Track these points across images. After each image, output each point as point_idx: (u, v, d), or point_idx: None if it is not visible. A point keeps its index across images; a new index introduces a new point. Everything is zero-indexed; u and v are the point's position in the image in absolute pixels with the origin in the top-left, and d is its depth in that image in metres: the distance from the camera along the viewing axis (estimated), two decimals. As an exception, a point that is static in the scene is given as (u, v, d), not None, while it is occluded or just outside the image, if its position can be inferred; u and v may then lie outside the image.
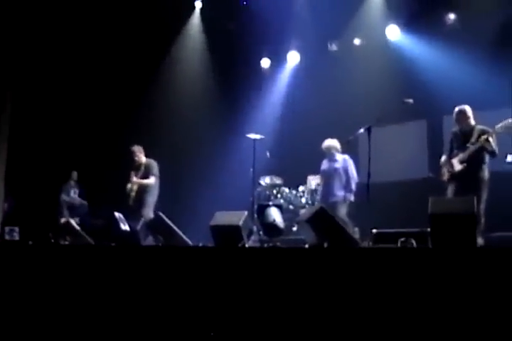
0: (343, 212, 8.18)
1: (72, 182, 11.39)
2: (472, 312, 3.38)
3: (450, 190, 6.89)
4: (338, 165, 8.44)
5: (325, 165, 8.66)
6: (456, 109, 7.06)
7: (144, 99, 10.93)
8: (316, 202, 9.17)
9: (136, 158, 8.57)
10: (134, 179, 8.46)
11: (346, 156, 8.50)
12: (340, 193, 8.32)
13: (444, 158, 7.14)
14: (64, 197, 11.29)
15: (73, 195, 11.23)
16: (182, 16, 11.37)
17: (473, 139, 6.85)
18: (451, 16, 9.49)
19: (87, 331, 4.91)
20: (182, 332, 4.43)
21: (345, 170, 8.38)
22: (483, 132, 6.80)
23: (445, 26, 9.58)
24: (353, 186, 8.30)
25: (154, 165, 8.54)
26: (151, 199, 8.49)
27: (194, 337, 4.34)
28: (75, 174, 11.35)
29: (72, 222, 6.89)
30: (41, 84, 10.65)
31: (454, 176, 6.92)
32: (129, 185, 8.53)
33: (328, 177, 8.50)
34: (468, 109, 7.01)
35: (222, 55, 11.03)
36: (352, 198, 8.27)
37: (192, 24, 11.54)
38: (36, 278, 5.45)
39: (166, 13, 10.42)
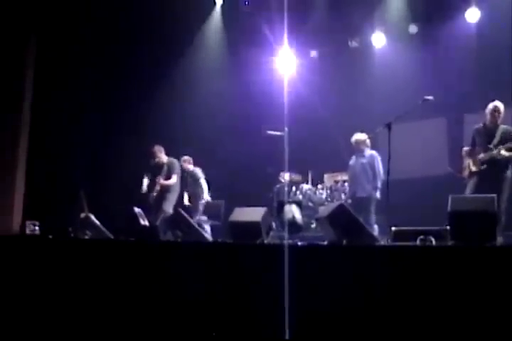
0: (369, 208, 8.01)
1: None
2: (492, 309, 3.37)
3: (470, 187, 6.81)
4: (364, 160, 8.27)
5: (353, 160, 8.49)
6: (491, 105, 6.93)
7: (164, 95, 10.91)
8: (335, 199, 9.14)
9: (157, 159, 8.78)
10: (161, 181, 8.74)
11: (374, 152, 8.30)
12: (366, 189, 8.13)
13: (466, 149, 7.06)
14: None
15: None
16: (203, 12, 11.36)
17: (495, 140, 6.75)
18: (472, 12, 9.40)
19: (104, 322, 4.95)
20: (193, 328, 4.46)
21: (372, 166, 8.17)
22: (506, 131, 6.75)
23: (466, 23, 9.50)
24: (379, 183, 8.06)
25: (176, 163, 8.91)
26: (173, 196, 8.75)
27: (197, 335, 4.38)
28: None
29: (92, 216, 6.90)
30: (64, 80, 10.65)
31: (476, 173, 6.85)
32: (145, 187, 8.66)
33: (355, 173, 8.36)
34: (502, 107, 6.90)
35: (242, 50, 11.03)
36: (378, 195, 8.06)
37: (212, 20, 11.54)
38: (56, 272, 5.50)
39: (186, 9, 10.41)
